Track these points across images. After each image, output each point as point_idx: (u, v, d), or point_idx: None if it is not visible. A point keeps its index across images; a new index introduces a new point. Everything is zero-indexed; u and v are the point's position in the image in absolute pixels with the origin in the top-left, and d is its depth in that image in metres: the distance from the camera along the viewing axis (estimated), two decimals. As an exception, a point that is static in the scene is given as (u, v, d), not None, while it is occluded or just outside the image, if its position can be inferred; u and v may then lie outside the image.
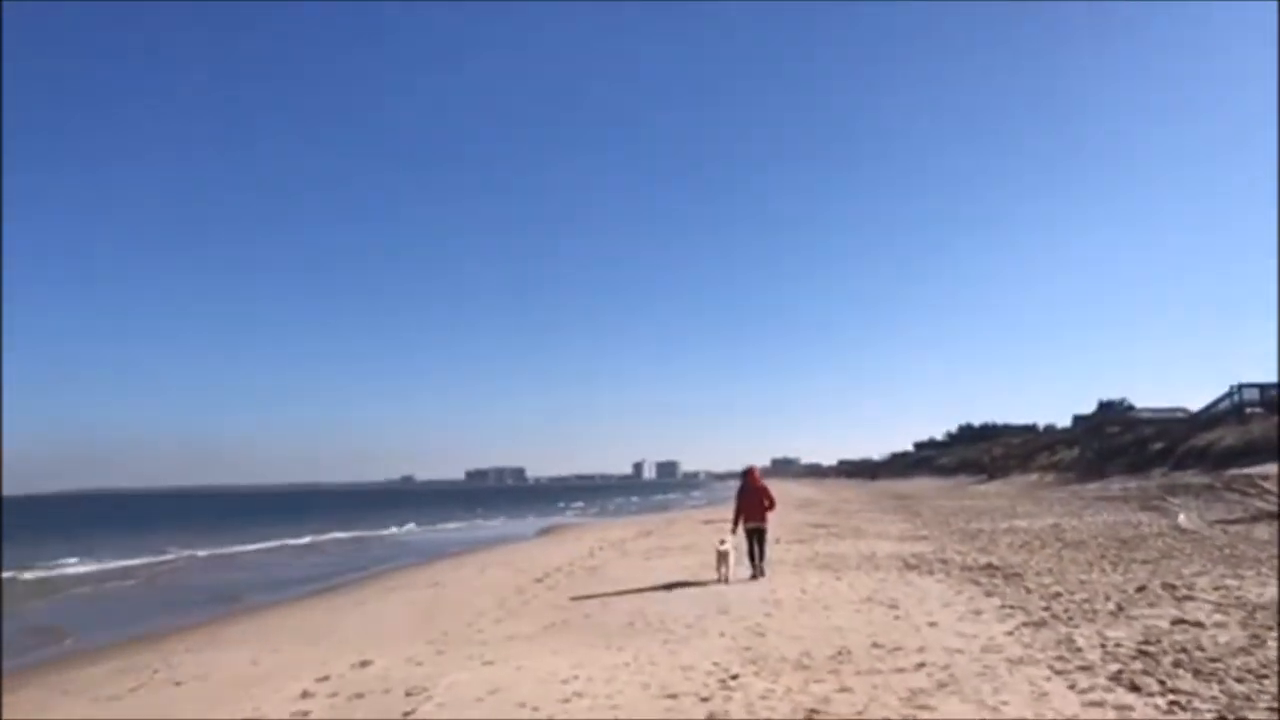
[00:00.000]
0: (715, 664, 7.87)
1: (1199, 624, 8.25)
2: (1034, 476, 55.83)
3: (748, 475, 15.36)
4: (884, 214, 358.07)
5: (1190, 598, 9.79)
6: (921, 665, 7.34)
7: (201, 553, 32.48)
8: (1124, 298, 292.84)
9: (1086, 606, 9.66)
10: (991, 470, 67.14)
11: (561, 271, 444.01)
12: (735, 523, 14.80)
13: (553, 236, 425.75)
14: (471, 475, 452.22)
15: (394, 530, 45.22)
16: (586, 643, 9.37)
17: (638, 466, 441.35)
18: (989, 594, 11.12)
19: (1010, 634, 8.44)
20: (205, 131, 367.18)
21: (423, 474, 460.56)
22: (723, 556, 13.75)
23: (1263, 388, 44.45)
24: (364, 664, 9.17)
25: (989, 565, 14.14)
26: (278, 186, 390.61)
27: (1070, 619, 8.99)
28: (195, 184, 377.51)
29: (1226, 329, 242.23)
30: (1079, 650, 7.48)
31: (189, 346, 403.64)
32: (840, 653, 8.03)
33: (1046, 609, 9.69)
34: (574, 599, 12.96)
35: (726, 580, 13.52)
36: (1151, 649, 7.31)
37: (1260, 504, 22.30)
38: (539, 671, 8.00)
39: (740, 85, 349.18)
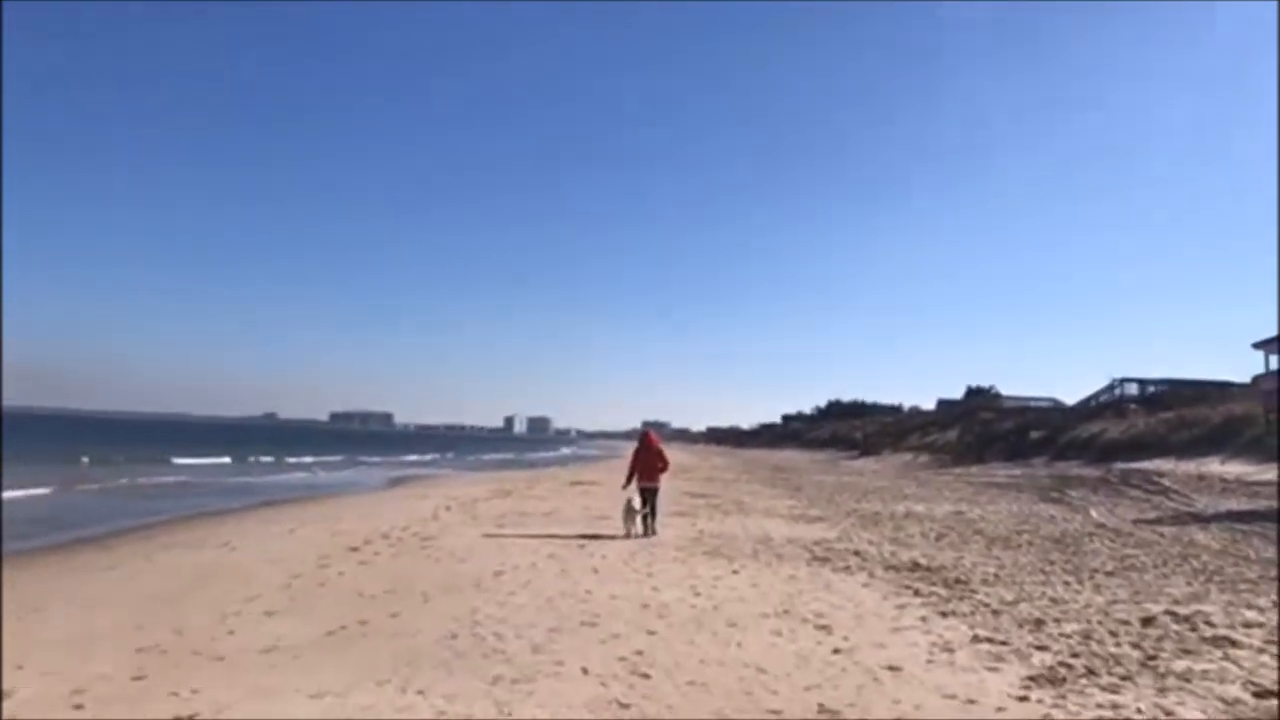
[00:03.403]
0: (572, 744, 4.69)
1: (1296, 696, 5.55)
2: (908, 456, 55.20)
3: (645, 437, 15.80)
4: (760, 187, 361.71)
5: (1227, 640, 7.14)
6: (919, 770, 4.33)
7: (88, 485, 27.62)
8: (987, 289, 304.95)
9: (1096, 648, 6.90)
10: (865, 447, 66.65)
11: (440, 222, 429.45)
12: (629, 480, 14.94)
13: (436, 182, 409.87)
14: (336, 417, 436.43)
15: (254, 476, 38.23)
16: (374, 675, 6.02)
17: (509, 420, 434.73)
18: (944, 613, 8.31)
19: (1022, 699, 5.57)
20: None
21: (285, 412, 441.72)
22: (631, 514, 14.24)
23: (1142, 383, 44.55)
24: (-3, 696, 5.58)
25: (916, 565, 11.48)
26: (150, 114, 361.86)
27: (1092, 670, 6.19)
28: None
29: (1091, 323, 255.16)
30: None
31: (49, 265, 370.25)
32: (773, 725, 4.99)
33: (1041, 646, 6.90)
34: (385, 586, 9.55)
35: (630, 535, 13.98)
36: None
37: (1170, 504, 20.74)
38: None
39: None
